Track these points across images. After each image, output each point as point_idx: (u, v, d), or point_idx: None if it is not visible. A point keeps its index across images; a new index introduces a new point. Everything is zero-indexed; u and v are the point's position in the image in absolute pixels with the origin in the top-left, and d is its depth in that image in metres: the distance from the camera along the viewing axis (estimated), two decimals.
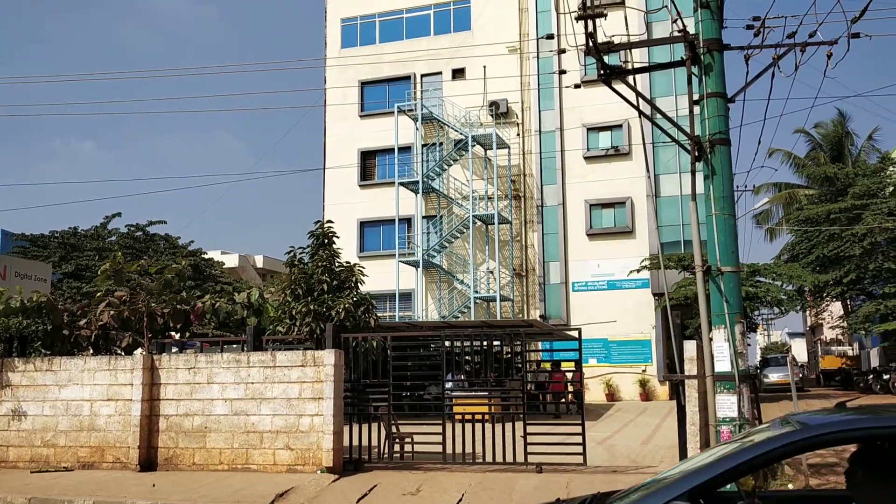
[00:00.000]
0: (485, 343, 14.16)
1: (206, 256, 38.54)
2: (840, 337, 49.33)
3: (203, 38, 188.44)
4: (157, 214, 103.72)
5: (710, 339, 8.83)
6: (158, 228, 37.75)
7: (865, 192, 30.33)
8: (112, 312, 14.59)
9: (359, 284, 17.22)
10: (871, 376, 31.16)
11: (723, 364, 8.66)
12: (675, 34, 9.26)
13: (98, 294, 16.18)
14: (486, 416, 12.37)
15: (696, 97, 9.13)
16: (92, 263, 31.49)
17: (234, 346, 15.35)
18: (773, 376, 34.24)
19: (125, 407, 12.64)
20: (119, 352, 15.30)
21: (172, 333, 16.57)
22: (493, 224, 33.16)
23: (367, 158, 36.79)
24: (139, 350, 14.80)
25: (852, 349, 45.26)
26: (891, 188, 30.91)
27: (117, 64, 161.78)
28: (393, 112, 34.76)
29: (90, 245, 34.33)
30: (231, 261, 47.92)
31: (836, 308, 40.14)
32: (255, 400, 12.12)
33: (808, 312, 58.86)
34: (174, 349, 15.65)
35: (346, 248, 24.51)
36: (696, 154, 8.96)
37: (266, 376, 12.13)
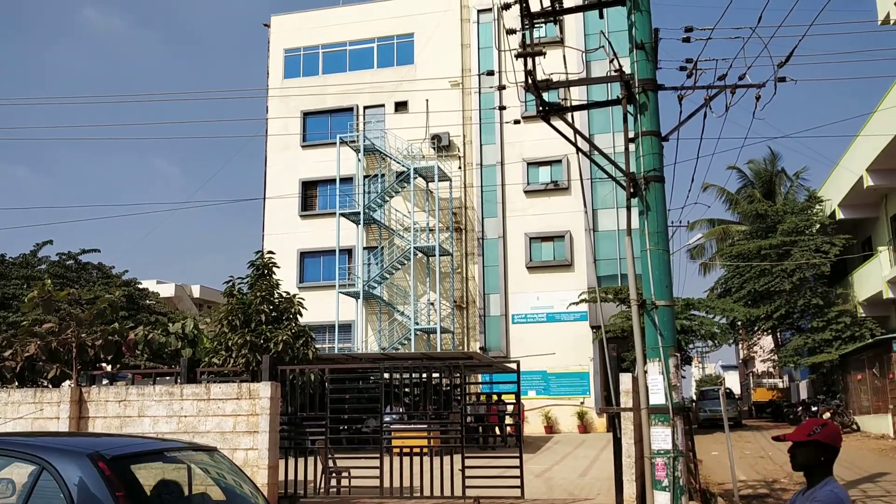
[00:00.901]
0: (424, 375, 14.12)
1: (140, 286, 37.70)
2: (771, 370, 50.60)
3: (144, 63, 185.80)
4: (91, 242, 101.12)
5: (645, 372, 8.97)
6: (92, 257, 36.86)
7: (794, 229, 31.35)
8: (39, 343, 14.13)
9: (298, 316, 17.05)
10: (801, 408, 31.96)
11: (657, 397, 8.78)
12: (612, 74, 9.50)
13: (24, 323, 15.67)
14: (425, 450, 12.31)
15: (631, 135, 9.36)
16: (19, 292, 30.52)
17: (168, 378, 15.01)
18: (710, 409, 33.87)
19: None
20: (45, 384, 14.81)
21: (103, 365, 16.13)
22: (435, 256, 33.24)
23: (309, 188, 36.62)
24: (67, 382, 14.35)
25: (782, 382, 46.46)
26: (817, 226, 32.01)
27: (52, 87, 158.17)
28: (335, 143, 34.73)
29: (18, 273, 33.28)
30: (167, 290, 46.95)
31: (768, 342, 41.19)
32: (187, 434, 11.83)
33: (740, 346, 60.24)
34: (104, 381, 15.23)
35: (286, 279, 24.25)
36: (632, 190, 9.16)
37: (200, 409, 11.87)
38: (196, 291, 52.09)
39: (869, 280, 29.48)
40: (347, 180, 35.10)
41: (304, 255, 35.72)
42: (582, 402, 31.25)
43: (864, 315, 30.40)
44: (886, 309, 30.25)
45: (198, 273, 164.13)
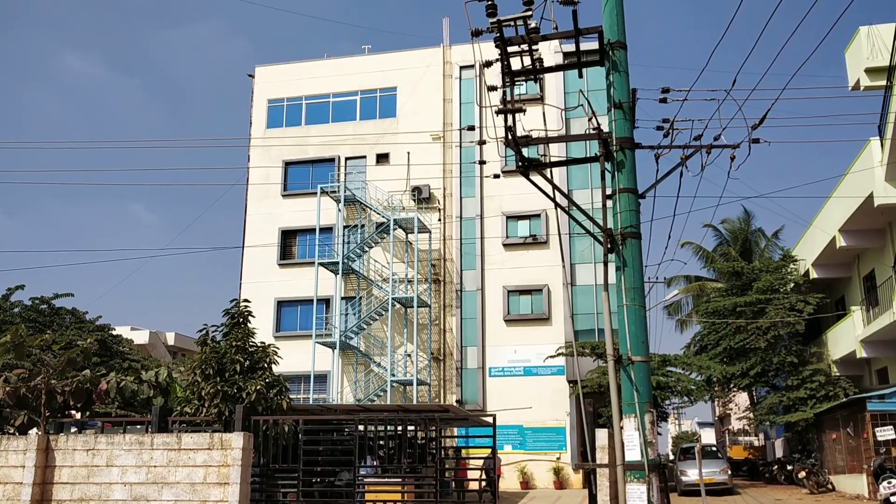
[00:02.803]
0: (399, 428, 13.99)
1: (114, 332, 37.24)
2: (747, 427, 50.60)
3: (124, 110, 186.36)
4: (65, 287, 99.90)
5: (621, 428, 8.96)
6: (65, 302, 36.39)
7: (769, 287, 31.67)
8: (7, 388, 13.88)
9: (273, 365, 16.88)
10: (776, 466, 31.87)
11: (633, 453, 8.77)
12: (591, 131, 9.71)
13: None
14: None
15: (609, 192, 9.51)
16: None
17: (139, 426, 14.75)
18: (693, 474, 25.95)
19: (14, 491, 11.91)
20: (12, 431, 14.50)
21: (73, 412, 15.84)
22: (413, 307, 33.18)
23: (288, 237, 36.60)
24: (34, 430, 14.06)
25: (758, 439, 46.43)
26: (792, 284, 32.37)
27: (29, 130, 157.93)
28: (316, 193, 34.86)
29: None
30: (141, 337, 46.40)
31: (743, 399, 41.28)
32: (156, 484, 11.61)
33: (716, 402, 60.29)
34: (73, 429, 14.93)
35: (263, 328, 24.10)
36: (609, 246, 9.27)
37: (170, 459, 11.66)
38: (171, 339, 51.51)
39: (842, 339, 29.74)
40: (327, 230, 35.14)
41: (281, 304, 35.53)
42: (558, 458, 31.00)
43: (837, 374, 30.58)
44: (860, 368, 30.48)
45: (173, 321, 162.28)
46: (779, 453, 36.86)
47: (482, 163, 10.44)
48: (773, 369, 31.66)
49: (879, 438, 23.13)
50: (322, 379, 33.71)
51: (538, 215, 33.34)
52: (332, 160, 36.62)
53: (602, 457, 10.08)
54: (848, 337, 28.95)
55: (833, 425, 28.55)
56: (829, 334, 31.57)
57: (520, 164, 9.67)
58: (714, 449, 32.14)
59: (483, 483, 17.93)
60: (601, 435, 10.21)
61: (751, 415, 36.84)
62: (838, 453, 28.01)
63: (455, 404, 30.33)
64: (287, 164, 37.24)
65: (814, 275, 31.58)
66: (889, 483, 18.52)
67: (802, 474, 27.29)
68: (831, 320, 31.81)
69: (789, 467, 29.93)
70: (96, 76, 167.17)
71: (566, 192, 9.88)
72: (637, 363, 8.90)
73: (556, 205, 10.07)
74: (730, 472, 28.45)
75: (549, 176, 9.80)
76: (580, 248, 32.06)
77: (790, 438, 34.63)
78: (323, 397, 33.14)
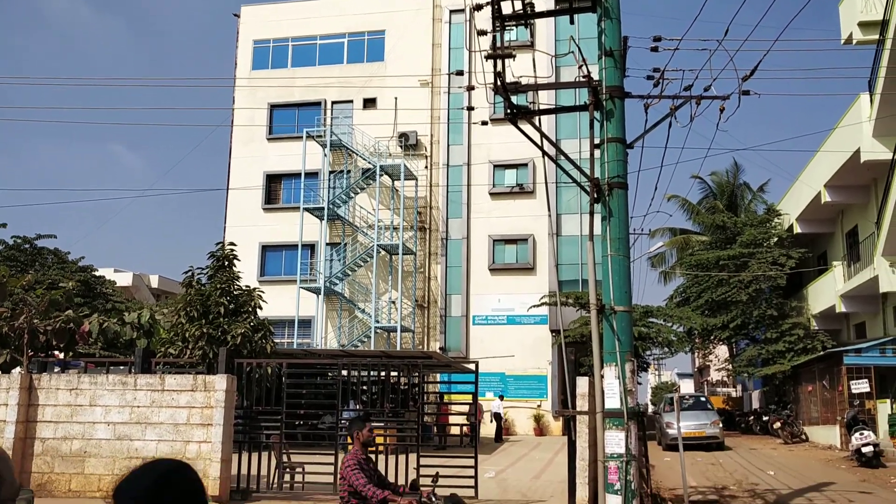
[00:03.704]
0: (382, 373, 14.09)
1: (97, 274, 37.07)
2: (725, 379, 51.41)
3: (106, 50, 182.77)
4: (46, 228, 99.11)
5: (602, 377, 9.05)
6: (47, 243, 36.14)
7: (752, 241, 31.85)
8: None
9: (257, 309, 16.90)
10: (752, 417, 32.46)
11: (613, 401, 8.88)
12: (581, 79, 9.59)
13: None
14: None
15: (597, 141, 9.45)
16: None
17: (122, 367, 14.78)
18: (682, 427, 25.98)
19: None
20: None
21: (55, 353, 15.84)
22: (398, 254, 33.20)
23: (273, 182, 36.33)
24: (17, 369, 14.06)
25: (736, 391, 47.23)
26: (775, 239, 32.57)
27: (9, 69, 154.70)
28: (302, 137, 34.50)
29: None
30: (124, 279, 46.22)
31: (723, 351, 41.80)
32: (140, 424, 11.67)
33: (696, 354, 61.07)
34: (56, 369, 14.94)
35: (247, 272, 24.05)
36: (595, 196, 9.24)
37: (153, 400, 11.71)
38: (154, 281, 51.39)
39: (823, 294, 30.06)
40: (312, 175, 34.89)
41: (265, 249, 35.45)
42: (539, 405, 31.44)
43: (816, 328, 30.99)
44: (839, 322, 30.89)
45: (157, 263, 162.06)
46: (755, 405, 37.51)
47: (470, 109, 10.32)
48: (754, 322, 32.04)
49: (854, 391, 23.56)
50: (306, 324, 33.83)
51: (525, 164, 33.21)
52: (318, 104, 36.18)
53: (582, 404, 10.21)
54: (828, 291, 29.27)
55: (809, 378, 29.04)
56: (809, 289, 31.91)
57: (508, 111, 9.56)
58: (703, 399, 29.08)
59: (465, 428, 18.14)
60: (582, 383, 10.33)
61: (729, 367, 37.37)
62: (813, 405, 28.55)
63: (438, 351, 30.58)
64: (272, 106, 36.76)
65: (797, 229, 31.76)
66: (861, 434, 18.90)
67: (777, 425, 27.83)
68: (813, 275, 32.11)
69: (765, 418, 30.48)
70: (79, 14, 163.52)
71: (554, 141, 9.82)
72: (619, 313, 8.95)
73: (544, 153, 10.00)
74: (721, 425, 25.84)
75: (537, 124, 9.72)
76: (566, 198, 32.02)
77: (767, 390, 35.22)
78: (307, 342, 33.30)
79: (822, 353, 28.13)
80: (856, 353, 24.91)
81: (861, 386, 23.38)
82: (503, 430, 28.61)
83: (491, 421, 28.73)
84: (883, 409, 22.48)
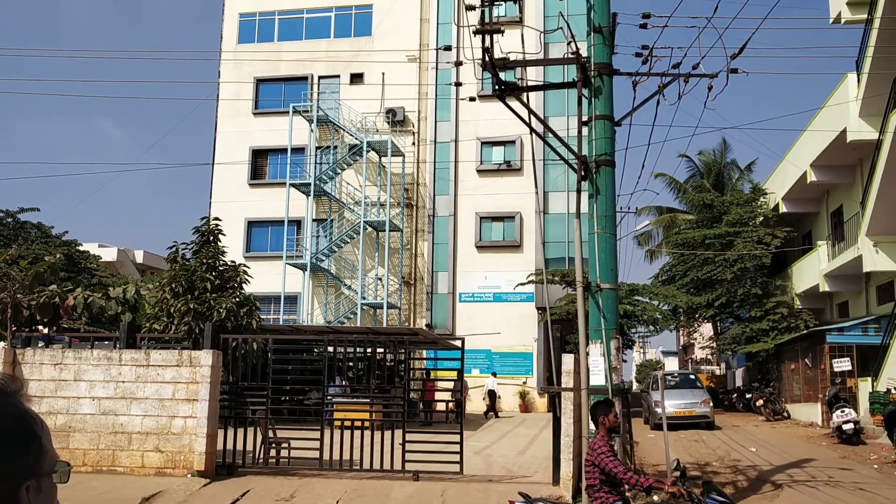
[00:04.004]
0: (369, 350, 14.09)
1: (81, 248, 36.85)
2: (709, 357, 51.77)
3: (91, 22, 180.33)
4: (30, 202, 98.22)
5: (587, 354, 9.09)
6: (31, 216, 35.84)
7: (738, 220, 32.00)
8: None
9: (243, 285, 16.84)
10: (735, 395, 32.79)
11: (598, 378, 8.92)
12: (569, 56, 9.54)
13: None
14: (367, 424, 12.30)
15: (585, 118, 9.42)
16: None
17: (106, 342, 14.71)
18: (669, 406, 21.98)
19: None
20: None
21: (40, 327, 15.75)
22: (384, 231, 33.13)
23: (259, 157, 36.08)
24: (1, 344, 13.97)
25: (719, 369, 47.61)
26: (761, 218, 32.73)
27: None
28: (288, 112, 34.22)
29: None
30: (109, 255, 45.97)
31: (707, 329, 42.10)
32: (125, 399, 11.64)
33: (681, 332, 61.46)
34: (40, 344, 14.86)
35: (233, 248, 23.93)
36: (583, 173, 9.23)
37: (138, 375, 11.68)
38: (139, 257, 51.14)
39: (807, 273, 30.28)
40: (299, 150, 34.67)
41: (251, 224, 35.28)
42: (524, 382, 31.60)
43: (800, 307, 31.25)
44: (822, 302, 31.15)
45: (142, 239, 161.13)
46: (739, 382, 37.85)
47: (458, 84, 10.25)
48: (738, 301, 32.26)
49: (836, 369, 23.81)
50: (292, 300, 33.78)
51: (513, 142, 33.13)
52: (304, 78, 35.88)
53: (567, 381, 10.25)
54: (812, 271, 29.48)
55: (792, 356, 29.33)
56: (794, 268, 32.13)
57: (496, 87, 9.50)
58: (693, 377, 28.11)
59: (450, 405, 18.21)
60: (567, 360, 10.36)
61: (714, 345, 37.66)
62: (795, 383, 28.86)
63: (425, 328, 30.63)
64: (259, 81, 36.42)
65: (783, 209, 31.92)
66: (842, 412, 19.13)
67: (760, 402, 28.11)
68: (797, 254, 32.33)
69: (748, 396, 30.77)
70: None
71: (542, 118, 9.74)
72: (605, 290, 8.97)
73: (532, 130, 9.96)
74: (711, 404, 24.70)
75: (525, 100, 9.67)
76: (554, 176, 32.01)
77: (750, 368, 35.54)
78: (293, 318, 33.27)
79: (805, 331, 28.40)
80: (838, 331, 25.16)
81: (843, 364, 23.63)
82: (495, 407, 28.86)
83: (484, 398, 28.95)
84: (864, 387, 22.74)
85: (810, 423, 24.93)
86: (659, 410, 21.68)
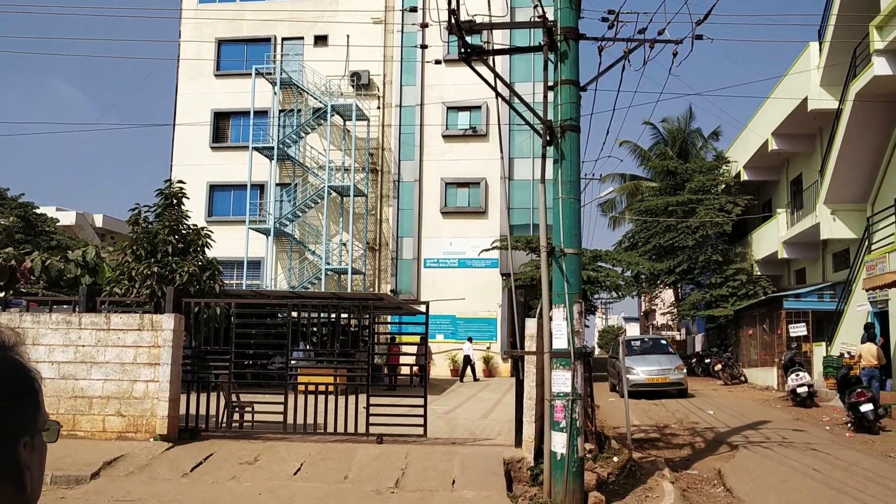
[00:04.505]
0: (333, 315, 14.06)
1: (38, 211, 36.11)
2: (670, 322, 52.64)
3: None
4: None
5: (550, 318, 9.17)
6: None
7: (701, 188, 32.35)
8: None
9: (206, 248, 16.66)
10: (695, 360, 33.45)
11: (560, 342, 9.01)
12: (536, 20, 9.48)
13: None
14: (331, 388, 12.32)
15: (550, 83, 9.40)
16: None
17: (66, 306, 14.50)
18: (641, 373, 22.40)
19: None
20: None
21: None
22: (349, 196, 32.92)
23: (221, 120, 35.50)
24: None
25: (680, 334, 48.46)
26: (723, 186, 33.13)
27: None
28: (250, 74, 33.64)
29: None
30: (67, 218, 45.11)
31: (669, 295, 42.71)
32: (85, 364, 11.51)
33: (643, 298, 62.32)
34: None
35: (195, 212, 23.57)
36: (548, 138, 9.23)
37: (99, 339, 11.54)
38: (99, 221, 50.22)
39: (766, 240, 30.80)
40: (262, 114, 34.20)
41: (213, 188, 34.82)
42: (488, 347, 31.84)
43: (759, 273, 31.82)
44: (780, 269, 31.75)
45: (102, 203, 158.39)
46: (698, 347, 38.56)
47: (423, 47, 10.14)
48: (699, 267, 32.75)
49: (792, 334, 24.36)
50: (256, 265, 33.54)
51: (479, 107, 32.99)
52: (267, 40, 35.26)
53: (531, 345, 10.35)
54: (771, 238, 29.99)
55: (751, 322, 29.92)
56: (754, 235, 32.64)
57: (462, 50, 9.42)
58: (664, 342, 26.46)
59: (414, 369, 18.30)
60: (530, 325, 10.46)
61: (674, 310, 38.25)
62: (753, 348, 29.49)
63: (389, 294, 30.65)
64: (220, 41, 35.70)
65: (745, 177, 32.33)
66: (797, 376, 19.62)
67: (718, 367, 28.70)
68: (757, 222, 32.84)
69: (707, 361, 31.38)
70: None
71: (508, 82, 9.68)
72: (569, 255, 9.03)
73: (498, 94, 9.92)
74: (685, 370, 23.52)
75: (491, 64, 9.60)
76: (519, 142, 32.00)
77: (710, 333, 36.22)
78: (256, 283, 33.06)
79: (763, 297, 28.96)
80: (795, 297, 25.71)
81: (799, 329, 24.18)
82: (475, 371, 29.07)
83: (459, 362, 29.21)
84: (819, 351, 23.32)
85: (766, 387, 25.53)
86: (632, 377, 21.49)
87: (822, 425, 15.85)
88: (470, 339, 29.62)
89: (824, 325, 24.30)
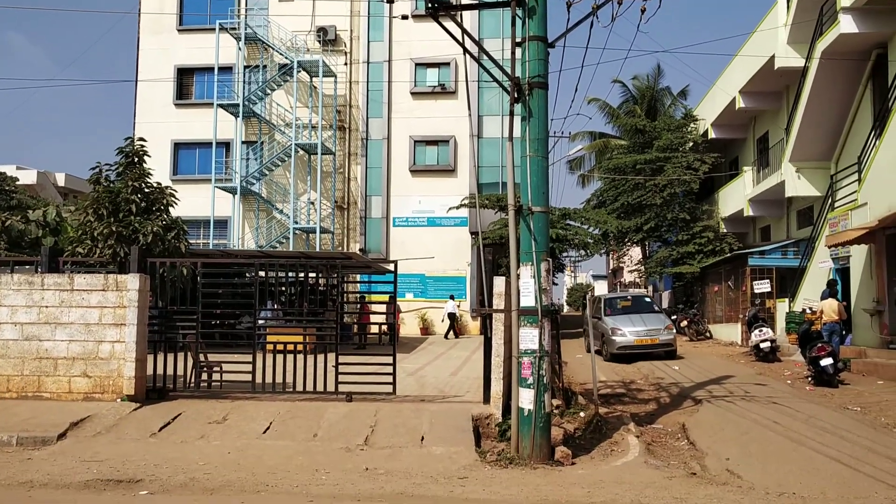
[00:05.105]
0: (301, 274, 13.98)
1: None
2: (637, 280, 53.17)
3: None
4: None
5: (518, 276, 9.20)
6: None
7: (669, 145, 32.47)
8: None
9: (170, 208, 16.40)
10: None
11: (528, 299, 9.06)
12: None
13: None
14: (300, 347, 12.30)
15: (519, 39, 9.30)
16: None
17: (27, 267, 14.26)
18: (630, 333, 21.01)
19: None
20: None
21: None
22: (317, 154, 32.59)
23: (185, 76, 34.77)
24: None
25: (647, 291, 49.00)
26: (691, 144, 33.29)
27: None
28: (214, 29, 32.91)
29: None
30: (28, 177, 44.23)
31: (636, 253, 43.07)
32: (49, 325, 11.36)
33: (611, 256, 62.79)
34: None
35: (159, 170, 23.21)
36: (516, 95, 9.16)
37: (63, 300, 11.38)
38: (61, 180, 49.30)
39: (733, 198, 31.10)
40: (226, 70, 33.56)
41: (178, 146, 34.25)
42: (458, 306, 31.98)
43: (725, 231, 32.19)
44: (746, 226, 32.14)
45: (63, 161, 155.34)
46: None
47: (391, 1, 9.95)
48: (666, 225, 33.02)
49: (756, 291, 24.75)
50: (222, 225, 33.21)
51: (448, 64, 32.68)
52: None
53: (499, 303, 10.39)
54: (738, 196, 30.29)
55: (716, 279, 30.34)
56: (720, 193, 32.94)
57: (429, 5, 9.28)
58: (648, 300, 24.88)
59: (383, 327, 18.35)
60: (499, 283, 10.48)
61: (642, 268, 38.62)
62: (718, 305, 29.95)
63: (358, 252, 30.57)
64: None
65: (712, 135, 32.51)
66: (760, 331, 19.98)
67: (684, 323, 29.13)
68: (724, 179, 33.12)
69: (673, 317, 31.79)
70: None
71: (477, 39, 9.55)
72: (537, 213, 9.03)
73: (466, 51, 9.81)
74: (674, 330, 22.33)
75: (459, 20, 9.47)
76: (488, 99, 31.81)
77: (677, 290, 36.67)
78: (223, 243, 32.78)
79: (728, 255, 29.34)
80: (760, 255, 26.08)
81: (763, 286, 24.57)
82: (458, 329, 29.43)
83: (443, 320, 29.36)
84: (782, 307, 23.74)
85: (731, 343, 26.00)
86: (617, 339, 20.79)
87: (784, 379, 16.20)
88: (452, 297, 29.78)
89: (787, 282, 24.72)
